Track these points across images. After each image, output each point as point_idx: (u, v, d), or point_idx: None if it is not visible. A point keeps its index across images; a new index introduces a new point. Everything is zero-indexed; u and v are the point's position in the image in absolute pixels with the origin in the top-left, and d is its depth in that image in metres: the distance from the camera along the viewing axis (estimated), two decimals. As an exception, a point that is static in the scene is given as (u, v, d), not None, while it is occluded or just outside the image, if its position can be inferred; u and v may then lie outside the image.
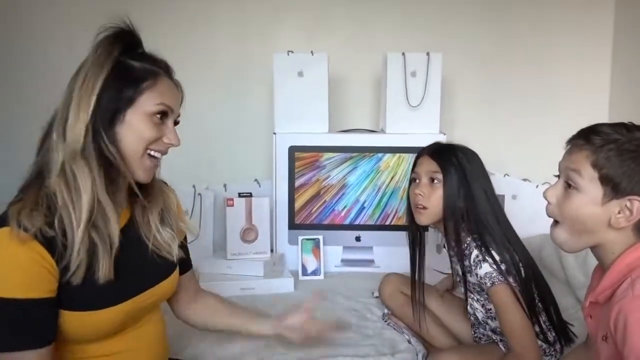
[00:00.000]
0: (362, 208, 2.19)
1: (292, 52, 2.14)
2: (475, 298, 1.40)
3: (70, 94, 0.87)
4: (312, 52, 2.14)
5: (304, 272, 2.10)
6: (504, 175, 2.34)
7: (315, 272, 2.10)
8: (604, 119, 2.49)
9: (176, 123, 0.99)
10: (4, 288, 0.79)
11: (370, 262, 2.20)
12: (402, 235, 2.17)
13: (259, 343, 1.39)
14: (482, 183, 1.37)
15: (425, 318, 1.52)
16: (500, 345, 1.36)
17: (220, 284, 1.87)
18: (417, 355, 1.46)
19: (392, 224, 2.19)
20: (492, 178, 2.43)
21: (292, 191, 2.18)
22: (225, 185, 2.36)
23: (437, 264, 2.01)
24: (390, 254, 2.16)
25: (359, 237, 2.20)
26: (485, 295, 1.34)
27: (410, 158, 2.16)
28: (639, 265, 0.86)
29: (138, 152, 0.90)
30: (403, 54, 2.13)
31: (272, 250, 2.11)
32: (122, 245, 0.92)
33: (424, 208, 1.36)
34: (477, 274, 1.29)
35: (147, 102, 0.90)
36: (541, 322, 1.33)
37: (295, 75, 2.14)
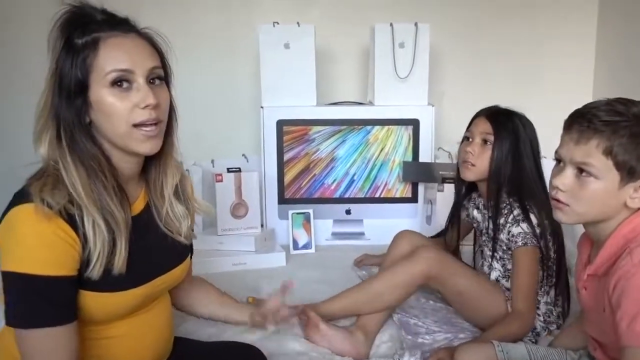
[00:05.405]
0: (352, 181, 2.19)
1: (277, 23, 2.09)
2: (498, 256, 1.45)
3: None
4: (298, 23, 2.10)
5: (295, 246, 2.10)
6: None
7: (306, 246, 2.11)
8: (589, 94, 2.50)
9: (159, 78, 0.88)
10: (31, 265, 0.78)
11: (360, 235, 2.21)
12: (392, 208, 2.20)
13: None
14: (533, 152, 1.43)
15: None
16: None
17: (212, 260, 1.88)
18: (392, 317, 1.49)
19: (382, 196, 2.20)
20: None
21: (281, 165, 2.17)
22: (212, 161, 2.33)
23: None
24: (381, 227, 2.17)
25: (349, 210, 2.21)
26: (508, 255, 1.41)
27: (399, 130, 2.16)
28: (636, 236, 0.87)
29: (122, 131, 0.84)
30: (391, 24, 2.10)
31: (262, 225, 2.11)
32: (138, 230, 0.90)
33: (473, 165, 1.42)
34: (510, 232, 1.37)
35: (98, 77, 0.82)
36: (557, 289, 1.41)
37: (281, 47, 2.10)
